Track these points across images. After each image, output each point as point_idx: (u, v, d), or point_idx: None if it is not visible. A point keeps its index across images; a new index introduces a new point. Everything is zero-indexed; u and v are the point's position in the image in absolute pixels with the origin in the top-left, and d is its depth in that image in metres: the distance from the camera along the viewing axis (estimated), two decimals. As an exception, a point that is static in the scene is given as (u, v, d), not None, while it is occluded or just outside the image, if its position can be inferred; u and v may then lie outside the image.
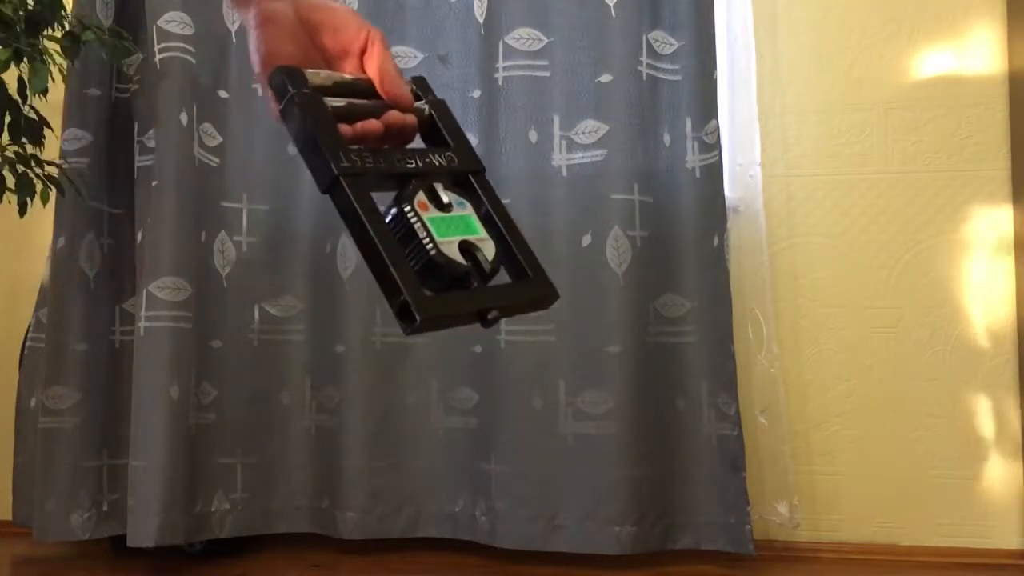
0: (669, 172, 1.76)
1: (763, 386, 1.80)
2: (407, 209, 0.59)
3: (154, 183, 1.72)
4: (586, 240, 1.72)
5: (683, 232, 1.73)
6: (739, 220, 1.84)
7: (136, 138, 1.80)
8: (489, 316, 0.58)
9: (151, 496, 1.64)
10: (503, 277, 0.62)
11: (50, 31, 1.64)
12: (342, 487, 1.77)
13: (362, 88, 0.64)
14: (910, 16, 1.86)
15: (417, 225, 0.59)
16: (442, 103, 0.68)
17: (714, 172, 1.72)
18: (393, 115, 0.63)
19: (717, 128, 1.72)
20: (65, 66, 1.70)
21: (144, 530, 1.63)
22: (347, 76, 0.64)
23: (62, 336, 1.77)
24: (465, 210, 0.62)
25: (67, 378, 1.77)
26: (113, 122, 1.87)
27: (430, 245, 0.58)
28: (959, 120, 1.83)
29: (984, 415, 1.78)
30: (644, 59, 1.74)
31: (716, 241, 1.71)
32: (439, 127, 0.66)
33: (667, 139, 1.76)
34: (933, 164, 1.83)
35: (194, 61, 1.77)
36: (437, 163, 0.63)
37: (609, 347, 1.68)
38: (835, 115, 1.87)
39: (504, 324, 1.73)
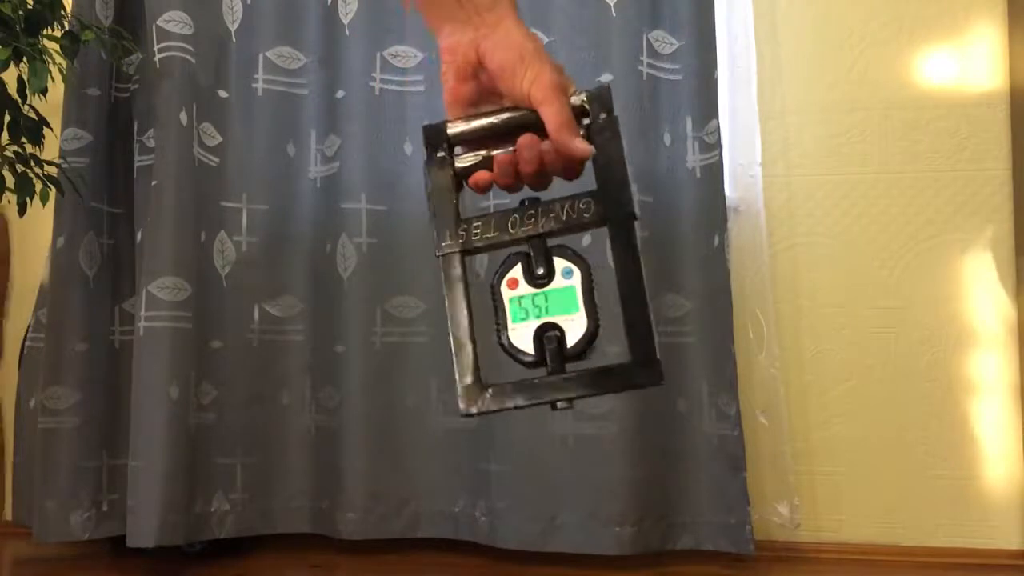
0: (669, 172, 1.76)
1: (764, 386, 1.80)
2: (493, 288, 0.59)
3: (154, 183, 1.72)
4: (586, 240, 1.72)
5: (683, 232, 1.73)
6: (739, 220, 1.84)
7: (136, 138, 1.80)
8: (557, 405, 0.58)
9: (151, 496, 1.63)
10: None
11: (50, 31, 1.64)
12: (342, 487, 1.77)
13: (519, 124, 0.60)
14: (911, 16, 1.86)
15: (497, 307, 0.59)
16: (605, 126, 0.61)
17: (714, 172, 1.71)
18: (523, 163, 0.60)
19: (717, 128, 1.72)
20: (65, 66, 1.69)
21: (144, 530, 1.63)
22: (500, 117, 0.61)
23: (62, 336, 1.77)
24: (568, 281, 0.59)
25: (67, 378, 1.76)
26: (113, 122, 1.87)
27: (499, 334, 0.58)
28: (959, 120, 1.83)
29: (985, 415, 1.78)
30: (644, 59, 1.74)
31: (716, 241, 1.71)
32: (595, 161, 0.61)
33: (667, 139, 1.76)
34: (934, 164, 1.83)
35: (194, 61, 1.77)
36: (566, 217, 0.60)
37: (609, 347, 1.67)
38: (836, 115, 1.87)
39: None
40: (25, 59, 1.52)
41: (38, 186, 1.63)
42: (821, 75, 1.88)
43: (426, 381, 1.80)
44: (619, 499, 1.64)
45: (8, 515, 1.94)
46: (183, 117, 1.74)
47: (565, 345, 0.58)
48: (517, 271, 0.59)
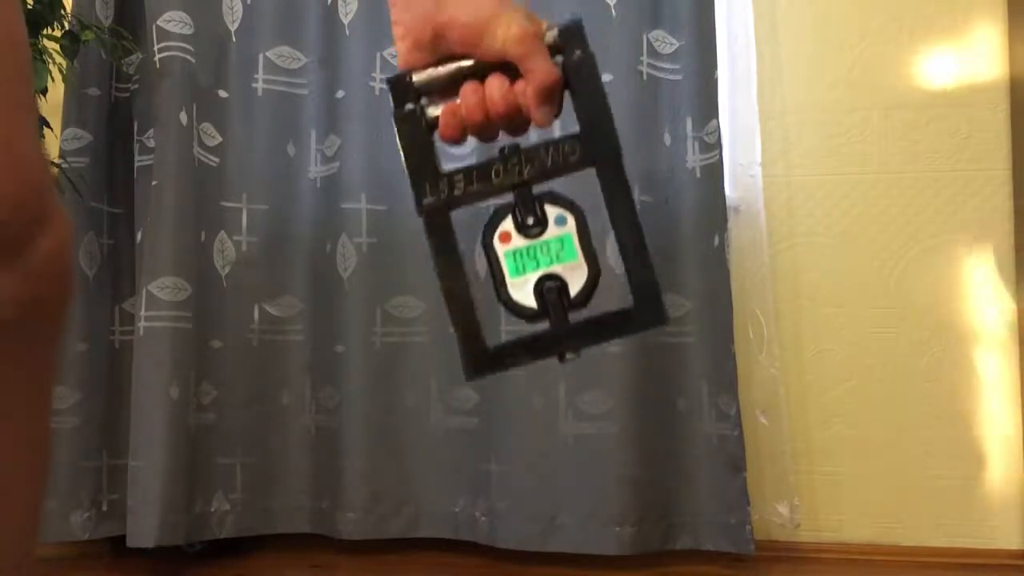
0: (670, 172, 1.76)
1: (764, 386, 1.79)
2: (486, 243, 0.57)
3: (154, 183, 1.72)
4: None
5: (684, 232, 1.73)
6: (739, 220, 1.84)
7: (136, 138, 1.80)
8: (564, 357, 0.56)
9: (151, 496, 1.63)
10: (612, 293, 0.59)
11: (49, 30, 1.64)
12: (342, 487, 1.77)
13: (491, 66, 0.58)
14: (911, 16, 1.86)
15: (492, 263, 0.57)
16: (580, 64, 0.58)
17: (715, 172, 1.71)
18: (498, 104, 0.57)
19: (718, 128, 1.72)
20: (64, 66, 1.70)
21: (144, 530, 1.63)
22: (469, 62, 0.58)
23: (61, 336, 1.77)
24: (563, 228, 0.57)
25: (67, 378, 1.76)
26: (113, 122, 1.87)
27: (497, 290, 0.56)
28: (960, 120, 1.83)
29: (985, 415, 1.78)
30: (645, 59, 1.74)
31: (717, 241, 1.71)
32: (574, 101, 0.58)
33: (667, 139, 1.76)
34: (934, 164, 1.83)
35: (194, 60, 1.77)
36: (551, 162, 0.57)
37: (609, 347, 1.67)
38: (836, 115, 1.87)
39: (504, 325, 1.73)
40: (25, 59, 1.52)
41: (38, 186, 1.63)
42: (821, 75, 1.88)
43: (426, 381, 1.80)
44: (619, 499, 1.64)
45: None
46: (183, 117, 1.74)
47: (568, 295, 0.56)
48: (508, 224, 0.57)
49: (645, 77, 1.73)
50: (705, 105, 1.73)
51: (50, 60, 1.59)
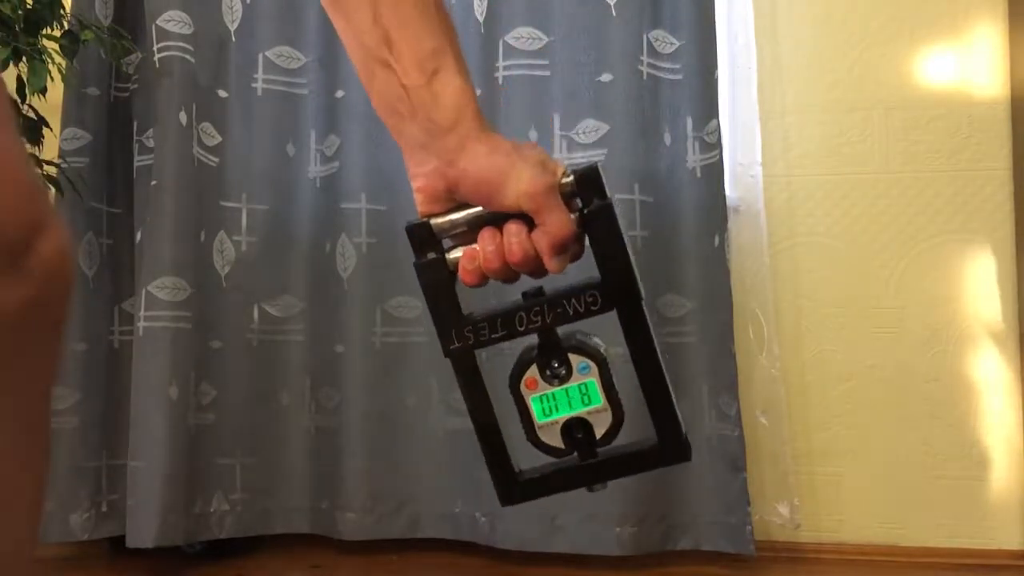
0: (670, 172, 1.76)
1: (764, 386, 1.79)
2: (513, 389, 0.60)
3: (153, 182, 1.72)
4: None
5: (684, 232, 1.73)
6: (740, 220, 1.83)
7: (135, 137, 1.80)
8: (592, 489, 0.60)
9: (150, 497, 1.63)
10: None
11: (49, 30, 1.63)
12: (342, 488, 1.77)
13: (504, 217, 0.58)
14: (911, 16, 1.86)
15: (520, 407, 0.60)
16: (598, 213, 0.58)
17: (715, 172, 1.71)
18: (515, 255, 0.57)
19: (718, 128, 1.72)
20: (64, 65, 1.69)
21: (143, 531, 1.63)
22: (484, 212, 0.58)
23: (61, 336, 1.76)
24: (587, 376, 0.59)
25: (66, 378, 1.76)
26: (112, 122, 1.86)
27: (527, 432, 0.60)
28: (960, 120, 1.83)
29: (985, 415, 1.78)
30: (645, 58, 1.74)
31: (717, 241, 1.71)
32: (593, 249, 0.59)
33: (668, 139, 1.76)
34: (934, 164, 1.83)
35: (193, 60, 1.77)
36: (572, 312, 0.59)
37: (609, 348, 1.67)
38: (836, 115, 1.87)
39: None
40: (24, 59, 1.52)
41: (37, 186, 1.63)
42: (821, 75, 1.88)
43: (426, 381, 1.80)
44: (619, 500, 1.64)
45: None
46: (183, 117, 1.74)
47: (594, 436, 0.59)
48: (533, 371, 0.60)
49: (645, 77, 1.73)
50: (705, 105, 1.73)
51: (49, 60, 1.58)
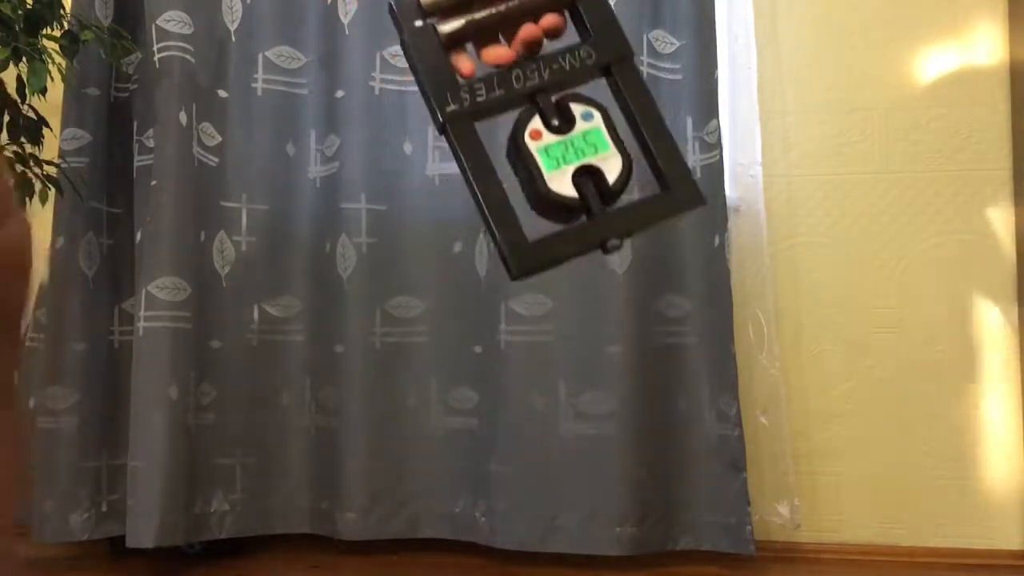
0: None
1: (764, 386, 1.79)
2: (517, 143, 0.57)
3: (153, 183, 1.71)
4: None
5: (684, 232, 1.73)
6: (740, 220, 1.83)
7: (135, 137, 1.79)
8: (608, 246, 0.56)
9: (150, 497, 1.63)
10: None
11: (49, 30, 1.63)
12: (342, 488, 1.77)
13: None
14: (911, 16, 1.86)
15: (526, 160, 0.56)
16: None
17: (715, 172, 1.71)
18: (524, 30, 0.57)
19: (718, 128, 1.72)
20: (64, 65, 1.69)
21: (143, 531, 1.62)
22: None
23: (61, 336, 1.77)
24: (591, 123, 0.57)
25: (66, 378, 1.76)
26: (112, 121, 1.86)
27: (537, 185, 0.56)
28: (960, 120, 1.83)
29: (985, 415, 1.78)
30: (645, 58, 1.74)
31: (717, 241, 1.71)
32: (578, 12, 0.59)
33: (668, 139, 1.76)
34: (934, 164, 1.83)
35: (193, 60, 1.76)
36: (569, 67, 0.58)
37: (609, 347, 1.67)
38: (836, 115, 1.87)
39: (504, 324, 1.73)
40: (24, 59, 1.52)
41: (37, 186, 1.63)
42: (821, 75, 1.88)
43: (426, 381, 1.80)
44: (619, 499, 1.64)
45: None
46: (183, 117, 1.73)
47: (606, 184, 0.56)
48: (536, 122, 0.57)
49: (645, 77, 1.73)
50: (705, 105, 1.73)
51: (49, 60, 1.58)
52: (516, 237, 0.55)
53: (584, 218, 0.56)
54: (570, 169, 0.56)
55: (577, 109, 0.58)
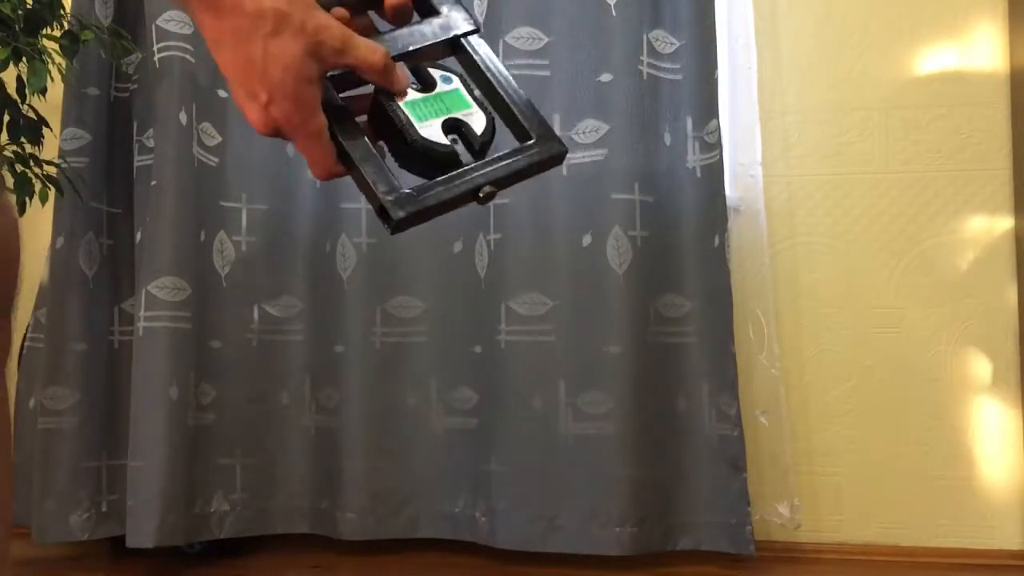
0: (670, 172, 1.76)
1: (764, 386, 1.79)
2: (382, 103, 0.58)
3: (153, 182, 1.72)
4: (586, 240, 1.72)
5: (684, 232, 1.73)
6: (740, 220, 1.83)
7: (135, 137, 1.80)
8: (481, 193, 0.56)
9: (150, 497, 1.63)
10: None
11: (49, 30, 1.63)
12: (342, 488, 1.77)
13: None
14: (912, 15, 1.86)
15: (393, 114, 0.57)
16: None
17: (715, 172, 1.71)
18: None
19: (718, 128, 1.72)
20: (64, 65, 1.69)
21: (143, 531, 1.62)
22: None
23: (61, 336, 1.77)
24: (451, 85, 0.60)
25: (66, 378, 1.76)
26: (112, 122, 1.86)
27: (408, 132, 0.57)
28: (960, 120, 1.83)
29: (985, 416, 1.78)
30: (645, 58, 1.74)
31: (717, 241, 1.71)
32: None
33: (668, 139, 1.76)
34: (935, 164, 1.83)
35: (193, 60, 1.77)
36: (420, 37, 0.60)
37: (609, 347, 1.67)
38: (836, 115, 1.87)
39: (504, 324, 1.73)
40: (24, 59, 1.52)
41: (37, 186, 1.63)
42: (821, 75, 1.88)
43: (426, 381, 1.80)
44: (619, 499, 1.64)
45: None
46: (183, 117, 1.73)
47: (475, 135, 0.58)
48: None
49: (645, 77, 1.73)
50: (705, 105, 1.73)
51: (49, 60, 1.58)
52: (393, 185, 0.55)
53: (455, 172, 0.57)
54: (438, 122, 0.58)
55: (436, 73, 0.60)
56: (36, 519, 1.74)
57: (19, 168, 1.61)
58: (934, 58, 1.85)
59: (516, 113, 0.59)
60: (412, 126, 0.57)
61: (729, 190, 1.80)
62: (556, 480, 1.68)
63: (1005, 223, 1.80)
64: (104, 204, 1.85)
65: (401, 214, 0.54)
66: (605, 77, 1.73)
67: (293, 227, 1.87)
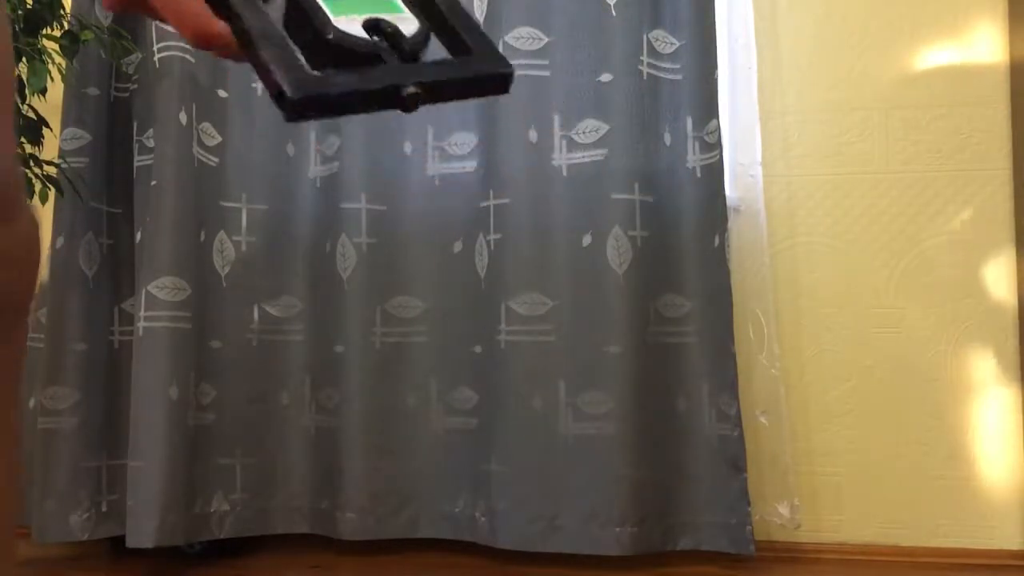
0: (670, 172, 1.76)
1: (764, 386, 1.79)
2: None
3: (153, 183, 1.72)
4: (586, 240, 1.72)
5: (684, 232, 1.73)
6: (740, 220, 1.83)
7: (135, 137, 1.80)
8: (404, 93, 0.46)
9: (150, 497, 1.63)
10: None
11: (49, 30, 1.63)
12: (342, 488, 1.77)
13: None
14: (911, 15, 1.86)
15: (306, 5, 0.47)
16: None
17: (715, 172, 1.71)
18: None
19: (718, 128, 1.72)
20: (64, 65, 1.69)
21: (143, 531, 1.63)
22: None
23: (61, 336, 1.77)
24: None
25: (66, 378, 1.76)
26: (112, 122, 1.86)
27: (322, 22, 0.47)
28: (960, 119, 1.83)
29: (985, 416, 1.78)
30: (645, 58, 1.74)
31: (717, 241, 1.71)
32: None
33: (668, 139, 1.76)
34: (934, 164, 1.83)
35: (193, 60, 1.77)
36: None
37: (609, 347, 1.67)
38: (836, 114, 1.87)
39: (504, 324, 1.73)
40: (24, 59, 1.52)
41: (37, 186, 1.63)
42: (821, 75, 1.88)
43: (426, 381, 1.80)
44: (619, 499, 1.64)
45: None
46: (183, 117, 1.74)
47: (403, 37, 0.48)
48: None
49: (645, 77, 1.73)
50: (705, 105, 1.73)
51: (49, 60, 1.58)
52: (295, 61, 0.45)
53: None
54: (359, 20, 0.48)
55: None
56: (36, 519, 1.74)
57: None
58: (934, 58, 1.85)
59: (455, 25, 0.49)
60: (327, 19, 0.47)
61: (729, 190, 1.80)
62: (556, 480, 1.68)
63: (1005, 223, 1.80)
64: (104, 204, 1.86)
65: (299, 95, 0.43)
66: (605, 77, 1.73)
67: (293, 227, 1.87)
